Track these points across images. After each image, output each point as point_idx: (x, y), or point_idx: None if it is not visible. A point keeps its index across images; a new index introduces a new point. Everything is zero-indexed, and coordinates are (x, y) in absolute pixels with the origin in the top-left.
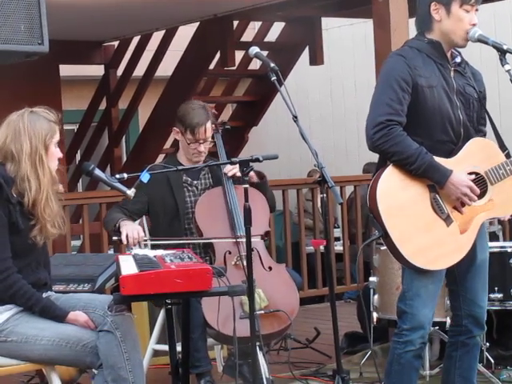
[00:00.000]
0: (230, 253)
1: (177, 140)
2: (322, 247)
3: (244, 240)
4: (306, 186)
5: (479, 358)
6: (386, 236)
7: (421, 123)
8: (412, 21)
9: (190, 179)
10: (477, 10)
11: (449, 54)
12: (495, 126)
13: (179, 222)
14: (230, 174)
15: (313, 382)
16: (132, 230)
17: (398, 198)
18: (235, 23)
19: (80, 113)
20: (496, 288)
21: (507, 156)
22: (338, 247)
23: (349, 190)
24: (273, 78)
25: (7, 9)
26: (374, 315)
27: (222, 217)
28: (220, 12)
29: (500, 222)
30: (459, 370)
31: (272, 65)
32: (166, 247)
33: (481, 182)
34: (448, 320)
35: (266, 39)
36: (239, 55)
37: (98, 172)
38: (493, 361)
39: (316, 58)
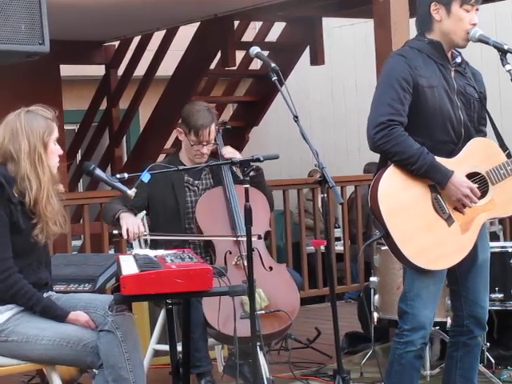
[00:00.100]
0: (230, 253)
1: (178, 140)
2: (322, 247)
3: (244, 239)
4: (307, 185)
5: (480, 358)
6: (387, 236)
7: (421, 123)
8: (412, 21)
9: (191, 179)
10: (477, 9)
11: (449, 55)
12: (496, 126)
13: (179, 221)
14: (227, 156)
15: (313, 382)
16: (132, 224)
17: (400, 198)
18: (236, 23)
19: (81, 113)
20: (497, 288)
21: (508, 156)
22: (339, 247)
23: (349, 190)
24: (273, 78)
25: (8, 9)
26: (375, 315)
27: (223, 216)
28: (220, 12)
29: (501, 221)
30: (460, 370)
31: (273, 65)
32: (166, 246)
33: (482, 182)
34: (449, 320)
35: (266, 39)
36: (240, 55)
37: (98, 172)
38: (493, 361)
39: (317, 58)
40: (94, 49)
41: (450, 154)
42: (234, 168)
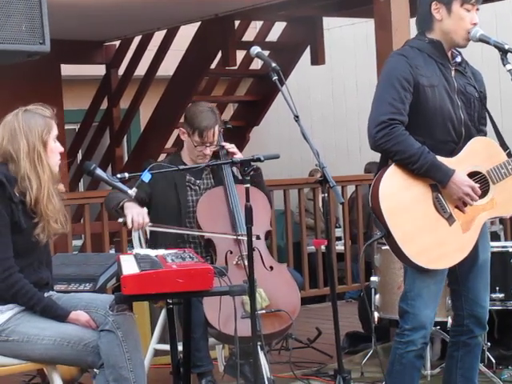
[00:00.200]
0: (231, 252)
1: (178, 140)
2: (323, 247)
3: (245, 238)
4: (308, 185)
5: (480, 358)
6: (388, 236)
7: (422, 123)
8: (413, 20)
9: (193, 178)
10: (477, 9)
11: (449, 54)
12: (496, 125)
13: (180, 220)
14: (228, 148)
15: (314, 382)
16: (137, 213)
17: (401, 198)
18: (236, 23)
19: (81, 112)
20: (497, 288)
21: (508, 155)
22: (340, 247)
23: (350, 189)
24: (274, 78)
25: (9, 8)
26: (376, 315)
27: (224, 216)
28: (221, 12)
29: (502, 221)
30: (461, 370)
31: (273, 64)
32: (166, 246)
33: (483, 182)
34: (449, 320)
35: (267, 39)
36: (240, 55)
37: (99, 172)
38: (494, 361)
39: (317, 58)
40: (94, 48)
41: (451, 153)
42: (235, 170)
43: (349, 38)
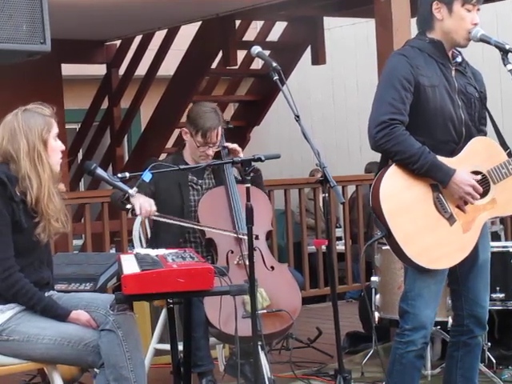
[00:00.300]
0: (232, 252)
1: (179, 139)
2: (323, 247)
3: (246, 237)
4: (308, 185)
5: (481, 358)
6: (389, 236)
7: (423, 123)
8: (414, 20)
9: (195, 178)
10: (478, 9)
11: (450, 54)
12: (496, 125)
13: (182, 219)
14: (231, 147)
15: (314, 382)
16: (144, 201)
17: (401, 198)
18: (237, 23)
19: (82, 112)
20: (498, 288)
21: (509, 155)
22: (340, 247)
23: (351, 189)
24: (275, 78)
25: (9, 8)
26: (376, 315)
27: (225, 216)
28: (222, 11)
29: (502, 221)
30: (461, 370)
31: (274, 64)
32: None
33: (483, 182)
34: (450, 320)
35: (268, 39)
36: (241, 54)
37: (99, 171)
38: (494, 361)
39: (318, 58)
40: (95, 48)
41: (452, 153)
42: (235, 172)
43: (349, 38)
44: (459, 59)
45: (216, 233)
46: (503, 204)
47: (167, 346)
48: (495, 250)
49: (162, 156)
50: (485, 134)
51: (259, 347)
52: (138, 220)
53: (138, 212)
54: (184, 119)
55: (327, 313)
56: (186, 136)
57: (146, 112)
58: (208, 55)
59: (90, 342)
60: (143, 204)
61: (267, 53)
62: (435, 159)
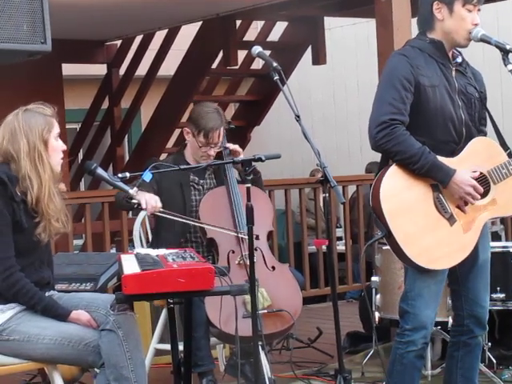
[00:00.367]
0: (233, 252)
1: (179, 139)
2: (324, 247)
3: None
4: (309, 185)
5: (481, 358)
6: (389, 236)
7: (423, 123)
8: (414, 20)
9: (197, 178)
10: (479, 10)
11: (450, 54)
12: (496, 126)
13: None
14: (232, 147)
15: (315, 382)
16: (150, 197)
17: (402, 198)
18: (238, 23)
19: (82, 112)
20: (498, 288)
21: (509, 155)
22: (340, 247)
23: (351, 189)
24: (275, 78)
25: (10, 8)
26: (376, 315)
27: (226, 216)
28: (222, 11)
29: (502, 221)
30: (461, 370)
31: (274, 64)
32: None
33: (483, 182)
34: (450, 320)
35: (268, 39)
36: (242, 54)
37: (100, 171)
38: (495, 361)
39: (318, 58)
40: (95, 48)
41: (452, 153)
42: (236, 173)
43: (350, 38)
44: (459, 59)
45: (217, 233)
46: (503, 204)
47: (168, 346)
48: (495, 250)
49: (163, 156)
50: (485, 135)
51: (260, 347)
52: (139, 220)
53: (143, 206)
54: (184, 119)
55: (327, 313)
56: (187, 136)
57: (146, 112)
58: (208, 55)
59: (90, 342)
60: (149, 200)
61: (268, 53)
62: (435, 159)
